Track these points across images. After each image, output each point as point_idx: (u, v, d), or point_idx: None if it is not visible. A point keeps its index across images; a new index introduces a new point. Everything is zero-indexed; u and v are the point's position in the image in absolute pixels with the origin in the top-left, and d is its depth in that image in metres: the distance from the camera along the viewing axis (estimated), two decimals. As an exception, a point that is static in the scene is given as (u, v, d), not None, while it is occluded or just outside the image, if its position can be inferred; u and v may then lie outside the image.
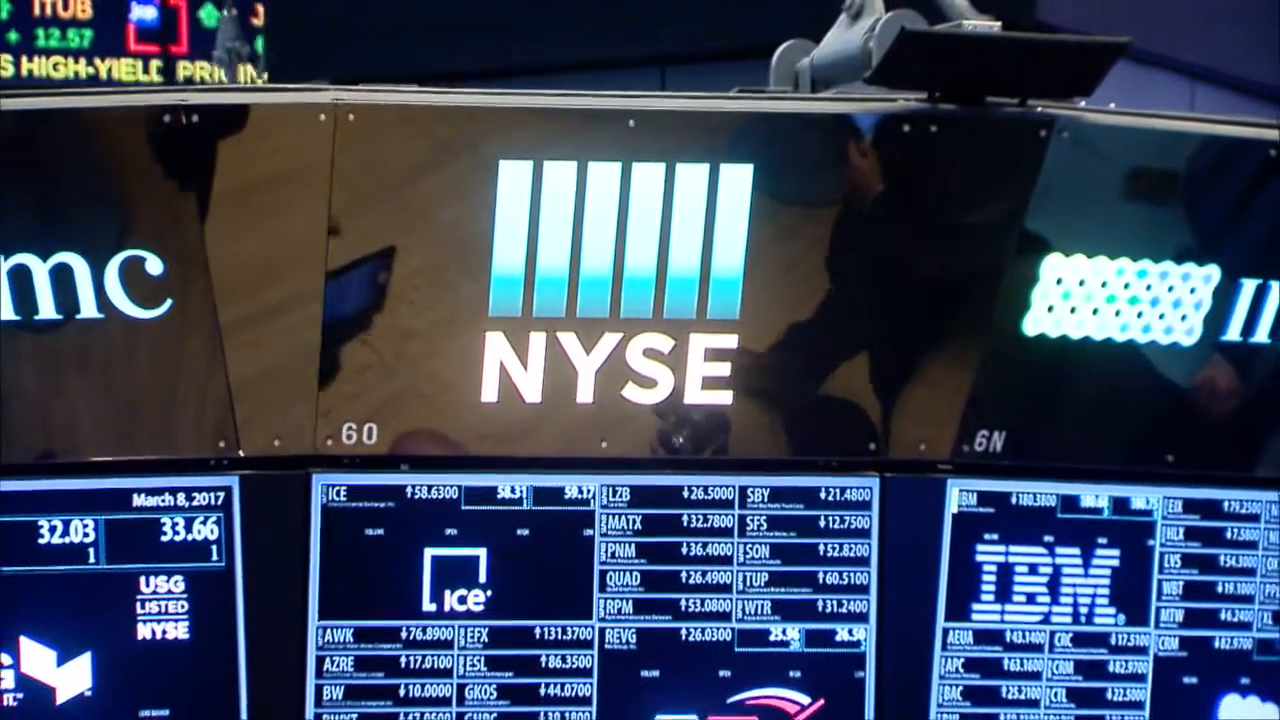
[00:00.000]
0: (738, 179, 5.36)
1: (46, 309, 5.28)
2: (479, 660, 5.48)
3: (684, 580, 5.58)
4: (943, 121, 5.43)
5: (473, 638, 5.48)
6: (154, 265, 5.26)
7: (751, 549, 5.61)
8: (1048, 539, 5.77)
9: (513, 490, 5.48)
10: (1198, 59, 6.88)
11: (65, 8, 10.58)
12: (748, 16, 6.14)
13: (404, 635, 5.47)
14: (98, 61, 12.06)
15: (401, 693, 5.46)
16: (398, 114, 5.33)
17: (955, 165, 5.48)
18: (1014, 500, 5.73)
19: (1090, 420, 5.78)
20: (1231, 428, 5.89)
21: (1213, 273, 5.63)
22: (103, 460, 5.38)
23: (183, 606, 5.41)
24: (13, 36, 11.63)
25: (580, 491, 5.52)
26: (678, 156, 5.37)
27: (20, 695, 5.37)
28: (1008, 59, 5.50)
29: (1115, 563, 5.82)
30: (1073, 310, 5.59)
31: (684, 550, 5.58)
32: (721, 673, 5.61)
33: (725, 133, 5.42)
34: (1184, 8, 6.96)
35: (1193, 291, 5.65)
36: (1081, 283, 5.57)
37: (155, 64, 11.75)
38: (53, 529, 5.38)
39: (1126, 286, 5.63)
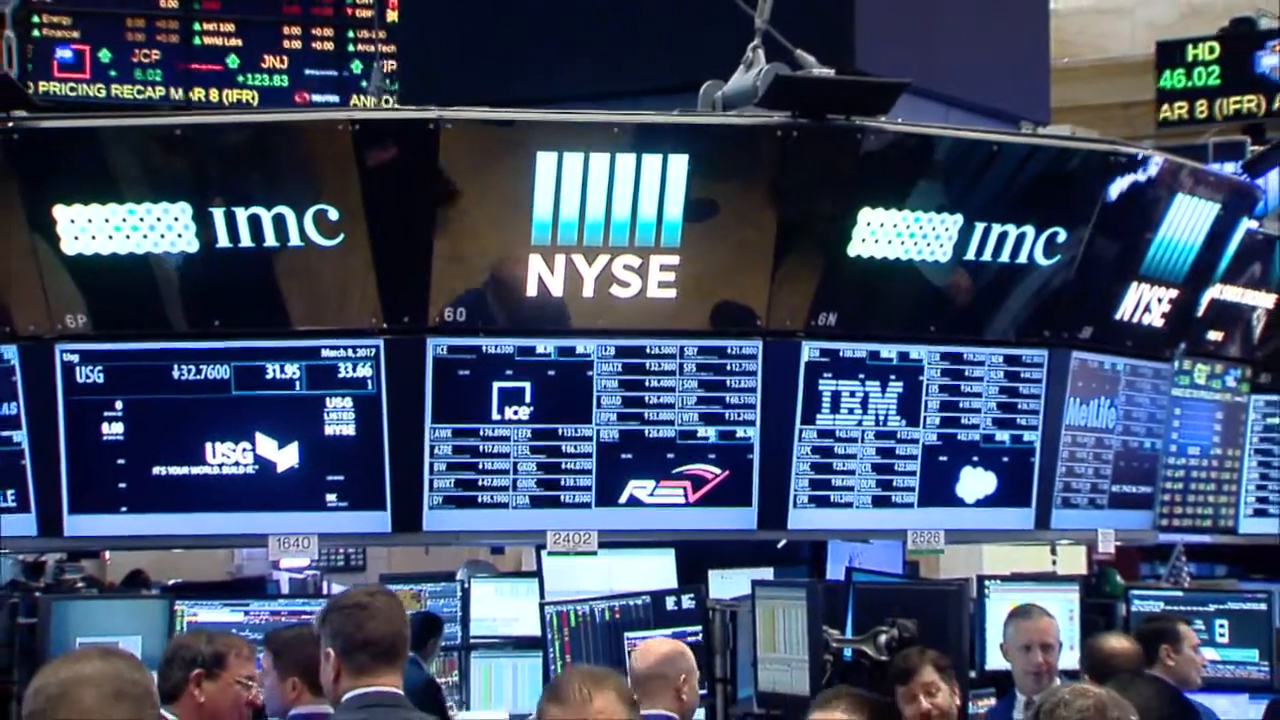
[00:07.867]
0: (679, 163, 5.80)
1: (270, 240, 5.83)
2: (525, 448, 6.01)
3: (646, 401, 6.04)
4: (800, 129, 5.86)
5: (522, 435, 5.99)
6: (333, 214, 5.78)
7: (686, 383, 6.06)
8: (860, 376, 6.22)
9: (544, 348, 5.99)
10: (951, 91, 7.29)
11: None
12: (690, 63, 6.25)
13: (481, 433, 5.98)
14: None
15: (479, 466, 5.99)
16: (477, 124, 5.76)
17: (808, 157, 5.87)
18: (841, 354, 6.20)
19: (886, 306, 6.23)
20: (968, 310, 6.32)
21: (959, 218, 6.14)
22: (304, 329, 5.93)
23: (350, 415, 5.92)
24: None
25: (585, 349, 6.00)
26: (643, 150, 5.79)
27: (256, 466, 6.03)
28: (838, 92, 5.94)
29: (900, 390, 6.28)
30: (877, 241, 6.07)
31: (646, 384, 6.03)
32: (668, 455, 6.08)
33: (672, 136, 5.85)
34: (947, 57, 7.31)
35: (946, 230, 6.13)
36: (882, 225, 6.06)
37: (68, 88, 11.58)
38: (274, 369, 5.95)
39: (908, 226, 6.07)
